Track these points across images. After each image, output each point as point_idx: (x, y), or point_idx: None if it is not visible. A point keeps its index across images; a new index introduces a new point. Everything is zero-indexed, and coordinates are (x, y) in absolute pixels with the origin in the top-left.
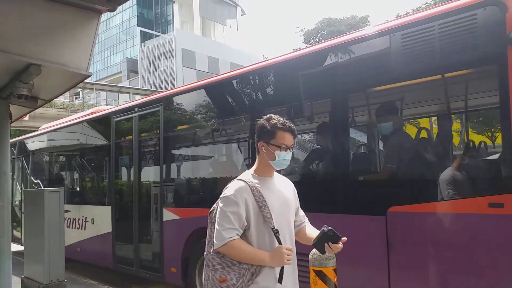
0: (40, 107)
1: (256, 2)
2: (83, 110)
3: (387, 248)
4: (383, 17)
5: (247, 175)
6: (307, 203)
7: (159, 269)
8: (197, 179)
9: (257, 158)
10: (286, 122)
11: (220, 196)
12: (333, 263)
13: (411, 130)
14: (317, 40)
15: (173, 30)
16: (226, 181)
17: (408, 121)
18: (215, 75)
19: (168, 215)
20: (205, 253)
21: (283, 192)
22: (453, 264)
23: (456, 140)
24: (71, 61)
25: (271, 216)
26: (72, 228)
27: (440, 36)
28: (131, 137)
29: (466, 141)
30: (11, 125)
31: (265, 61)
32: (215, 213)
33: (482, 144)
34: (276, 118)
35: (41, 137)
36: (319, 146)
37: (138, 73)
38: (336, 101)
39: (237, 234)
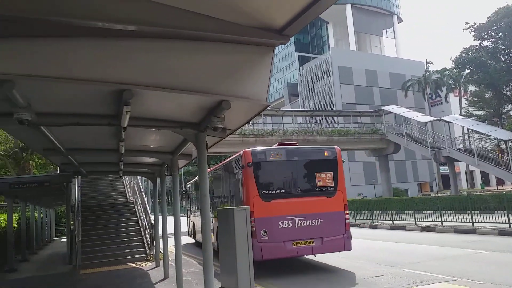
0: (227, 136)
1: (414, 5)
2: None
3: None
4: None
5: None
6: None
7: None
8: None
9: None
10: None
11: None
12: None
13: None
14: (492, 34)
15: (329, 50)
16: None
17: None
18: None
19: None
20: None
21: None
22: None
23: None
24: (253, 93)
25: None
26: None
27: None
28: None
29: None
30: None
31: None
32: None
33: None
34: None
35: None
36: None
37: (298, 96)
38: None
39: None
